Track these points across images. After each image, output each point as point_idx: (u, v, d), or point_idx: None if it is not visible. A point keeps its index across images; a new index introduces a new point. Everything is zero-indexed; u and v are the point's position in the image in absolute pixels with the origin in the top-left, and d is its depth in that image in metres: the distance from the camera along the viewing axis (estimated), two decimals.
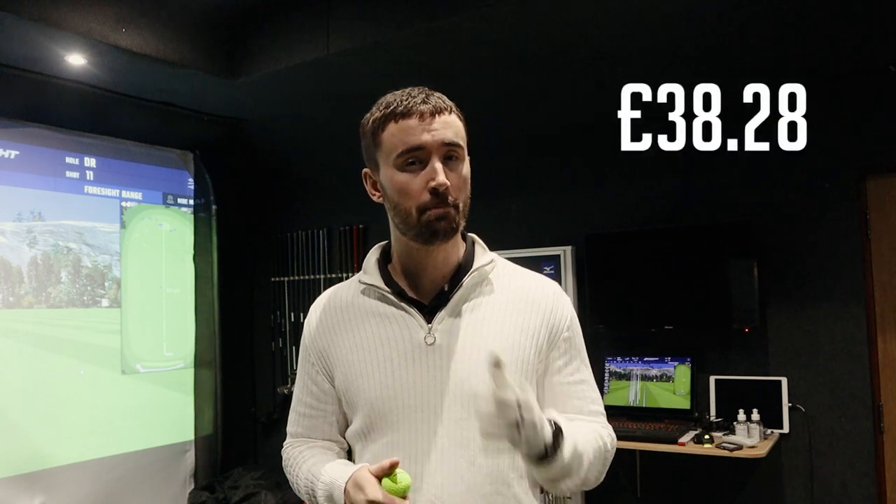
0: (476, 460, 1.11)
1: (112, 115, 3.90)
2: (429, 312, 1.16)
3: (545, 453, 1.00)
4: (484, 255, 1.22)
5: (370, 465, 1.07)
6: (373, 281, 1.20)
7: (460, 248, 1.22)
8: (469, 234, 1.25)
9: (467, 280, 1.17)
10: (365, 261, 1.24)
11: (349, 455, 1.27)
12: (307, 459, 1.22)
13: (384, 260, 1.23)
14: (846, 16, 2.62)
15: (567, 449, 1.03)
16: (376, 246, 1.26)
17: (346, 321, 1.21)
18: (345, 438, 1.26)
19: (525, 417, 0.96)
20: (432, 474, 1.11)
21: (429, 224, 1.10)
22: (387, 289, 1.18)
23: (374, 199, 1.20)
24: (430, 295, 1.18)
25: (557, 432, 1.02)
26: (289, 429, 1.30)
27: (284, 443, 1.31)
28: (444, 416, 1.12)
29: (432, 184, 1.09)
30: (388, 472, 1.03)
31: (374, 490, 1.01)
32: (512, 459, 1.14)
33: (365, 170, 1.20)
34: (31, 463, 3.74)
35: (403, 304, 1.17)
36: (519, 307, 1.19)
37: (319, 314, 1.25)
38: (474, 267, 1.19)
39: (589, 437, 1.14)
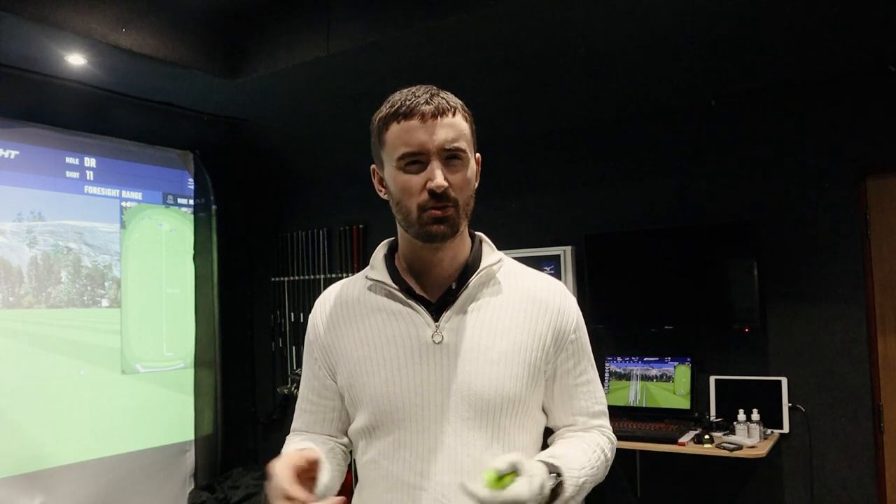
0: (481, 458, 1.11)
1: (112, 115, 3.90)
2: (436, 310, 1.16)
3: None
4: (492, 255, 1.22)
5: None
6: (380, 277, 1.19)
7: (467, 246, 1.21)
8: (477, 232, 1.25)
9: (475, 279, 1.17)
10: (372, 256, 1.24)
11: (351, 453, 1.27)
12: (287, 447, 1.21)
13: (391, 256, 1.23)
14: (846, 16, 2.62)
15: (569, 490, 1.05)
16: (384, 242, 1.26)
17: (351, 317, 1.21)
18: (346, 435, 1.25)
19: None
20: (439, 473, 1.10)
21: (426, 225, 1.11)
22: (394, 286, 1.18)
23: (381, 195, 1.20)
24: (437, 293, 1.18)
25: (555, 476, 1.04)
26: (293, 425, 1.30)
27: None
28: (450, 414, 1.12)
29: (430, 185, 1.09)
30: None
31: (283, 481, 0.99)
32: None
33: (373, 166, 1.21)
34: (31, 463, 3.74)
35: (411, 302, 1.16)
36: (526, 307, 1.19)
37: (324, 309, 1.25)
38: (482, 266, 1.19)
39: (591, 456, 1.16)
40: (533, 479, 0.97)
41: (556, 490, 1.03)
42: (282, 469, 1.00)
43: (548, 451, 1.13)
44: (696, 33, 2.80)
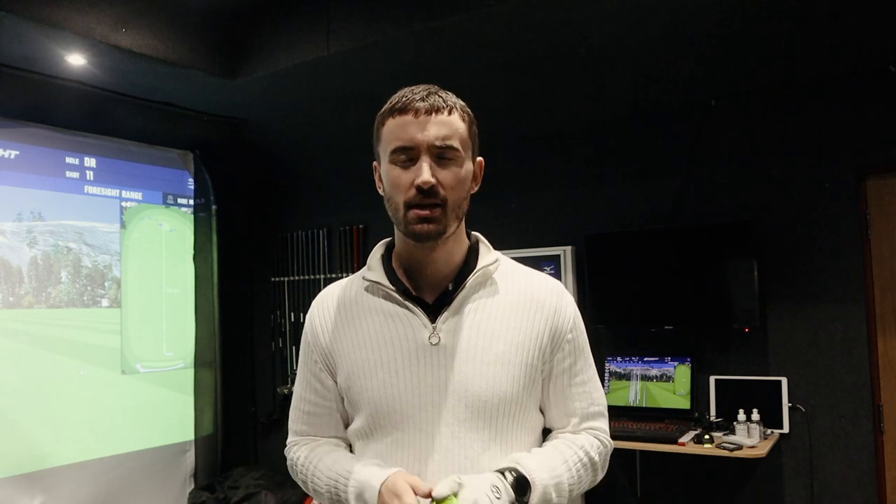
0: (479, 459, 1.12)
1: (112, 115, 3.90)
2: (432, 312, 1.16)
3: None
4: (488, 255, 1.21)
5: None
6: (377, 278, 1.19)
7: (463, 246, 1.21)
8: (473, 232, 1.25)
9: (471, 280, 1.17)
10: (369, 257, 1.24)
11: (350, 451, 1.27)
12: (324, 457, 1.21)
13: (388, 257, 1.23)
14: (846, 16, 2.62)
15: (538, 490, 1.08)
16: (381, 242, 1.26)
17: (349, 318, 1.21)
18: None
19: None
20: (436, 474, 1.11)
21: (411, 223, 1.12)
22: (391, 287, 1.18)
23: (380, 191, 1.21)
24: (434, 294, 1.18)
25: (522, 479, 1.07)
26: (292, 427, 1.29)
27: (288, 441, 1.30)
28: (447, 415, 1.12)
29: (417, 181, 1.09)
30: (425, 494, 1.03)
31: (411, 499, 1.02)
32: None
33: (374, 163, 1.22)
34: (31, 463, 3.74)
35: (408, 303, 1.16)
36: (523, 307, 1.19)
37: (322, 311, 1.25)
38: (478, 267, 1.19)
39: (569, 457, 1.16)
40: (473, 492, 1.00)
41: (526, 490, 1.06)
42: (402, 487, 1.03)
43: (511, 456, 1.14)
44: (696, 33, 2.80)
